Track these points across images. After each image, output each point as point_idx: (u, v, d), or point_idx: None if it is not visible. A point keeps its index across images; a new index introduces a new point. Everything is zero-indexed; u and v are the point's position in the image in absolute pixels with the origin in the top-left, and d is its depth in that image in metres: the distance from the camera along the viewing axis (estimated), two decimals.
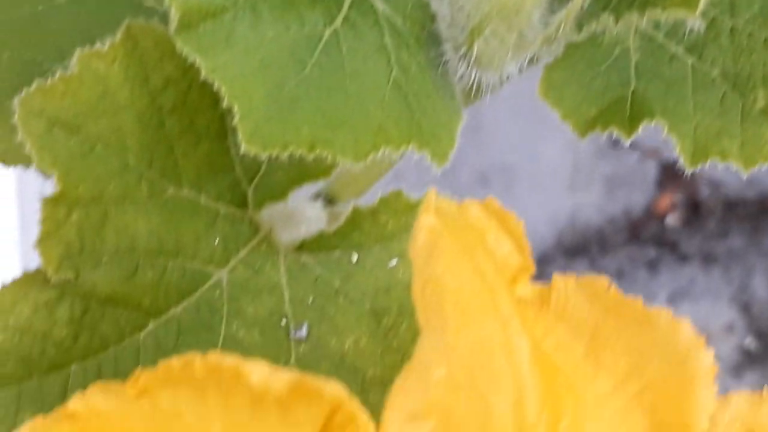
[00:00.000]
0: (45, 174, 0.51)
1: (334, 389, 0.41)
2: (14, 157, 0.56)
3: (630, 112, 0.54)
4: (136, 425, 0.41)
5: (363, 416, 0.41)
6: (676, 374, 0.45)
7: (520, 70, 0.53)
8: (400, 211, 0.52)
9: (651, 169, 1.73)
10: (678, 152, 0.54)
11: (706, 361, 0.45)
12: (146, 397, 0.41)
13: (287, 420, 0.41)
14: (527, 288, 0.46)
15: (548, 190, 1.75)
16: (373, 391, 0.51)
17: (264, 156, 0.49)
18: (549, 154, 1.74)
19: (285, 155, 0.47)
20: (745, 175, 0.53)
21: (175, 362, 0.41)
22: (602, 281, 0.46)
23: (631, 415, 0.46)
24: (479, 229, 0.45)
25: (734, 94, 0.54)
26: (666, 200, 1.73)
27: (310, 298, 0.52)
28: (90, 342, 0.50)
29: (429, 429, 0.41)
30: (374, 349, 0.52)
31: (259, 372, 0.41)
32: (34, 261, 0.49)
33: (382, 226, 0.52)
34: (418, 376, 0.41)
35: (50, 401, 0.49)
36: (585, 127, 0.54)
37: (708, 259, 1.71)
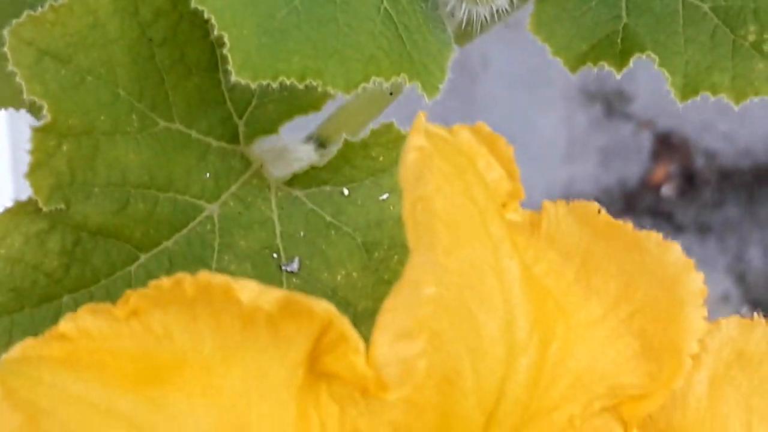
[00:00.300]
0: (35, 112, 0.51)
1: (324, 307, 0.41)
2: (6, 98, 0.56)
3: (621, 47, 0.54)
4: (126, 346, 0.41)
5: (353, 336, 0.41)
6: (666, 297, 0.45)
7: (511, 4, 0.53)
8: (392, 144, 0.52)
9: (646, 141, 1.73)
10: (668, 87, 0.53)
11: (695, 284, 0.45)
12: (136, 318, 0.41)
13: (278, 339, 0.41)
14: (518, 213, 0.46)
15: (543, 161, 1.75)
16: (364, 324, 0.51)
17: (254, 88, 0.49)
18: (544, 126, 1.74)
19: (275, 86, 0.47)
20: (737, 109, 0.53)
21: (164, 282, 0.41)
22: (593, 206, 0.46)
23: (622, 339, 0.46)
24: (469, 153, 0.45)
25: (725, 29, 0.54)
26: (661, 171, 1.73)
27: (302, 232, 0.52)
28: (81, 274, 0.50)
29: (419, 348, 0.41)
30: (366, 282, 0.52)
31: (249, 290, 0.41)
32: (26, 192, 0.49)
33: (373, 159, 0.52)
34: (408, 294, 0.41)
35: (42, 333, 0.49)
36: (576, 63, 0.54)
37: (703, 229, 1.71)
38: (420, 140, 0.42)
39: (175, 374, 0.41)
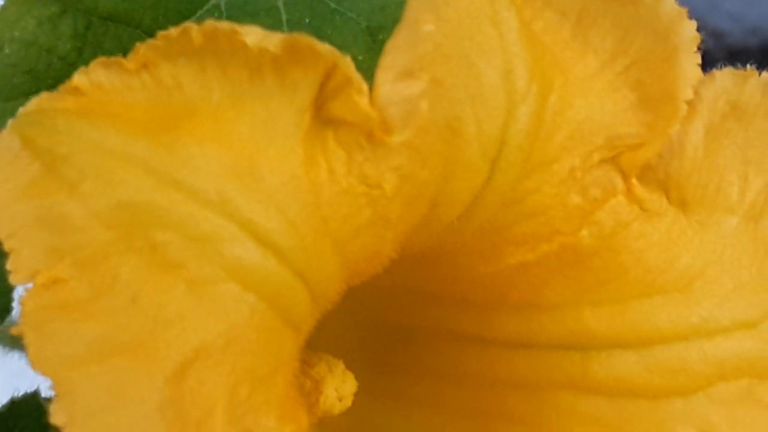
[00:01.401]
0: None
1: (329, 49, 0.42)
2: None
3: None
4: (138, 97, 0.42)
5: (357, 78, 0.42)
6: (660, 47, 0.47)
7: None
8: None
9: None
10: None
11: (688, 32, 0.46)
12: (147, 71, 0.42)
13: (284, 84, 0.42)
14: None
15: None
16: None
17: None
18: None
19: None
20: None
21: (172, 32, 0.42)
22: None
23: (619, 92, 0.47)
24: None
25: None
26: None
27: (307, 19, 0.53)
28: (94, 57, 0.50)
29: (420, 88, 0.43)
30: (371, 63, 0.53)
31: (254, 34, 0.41)
32: None
33: None
34: (408, 32, 0.42)
35: None
36: None
37: None
38: None
39: (187, 122, 0.42)
